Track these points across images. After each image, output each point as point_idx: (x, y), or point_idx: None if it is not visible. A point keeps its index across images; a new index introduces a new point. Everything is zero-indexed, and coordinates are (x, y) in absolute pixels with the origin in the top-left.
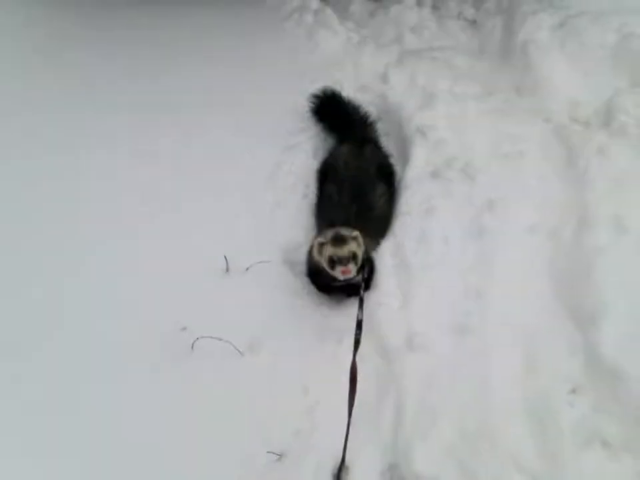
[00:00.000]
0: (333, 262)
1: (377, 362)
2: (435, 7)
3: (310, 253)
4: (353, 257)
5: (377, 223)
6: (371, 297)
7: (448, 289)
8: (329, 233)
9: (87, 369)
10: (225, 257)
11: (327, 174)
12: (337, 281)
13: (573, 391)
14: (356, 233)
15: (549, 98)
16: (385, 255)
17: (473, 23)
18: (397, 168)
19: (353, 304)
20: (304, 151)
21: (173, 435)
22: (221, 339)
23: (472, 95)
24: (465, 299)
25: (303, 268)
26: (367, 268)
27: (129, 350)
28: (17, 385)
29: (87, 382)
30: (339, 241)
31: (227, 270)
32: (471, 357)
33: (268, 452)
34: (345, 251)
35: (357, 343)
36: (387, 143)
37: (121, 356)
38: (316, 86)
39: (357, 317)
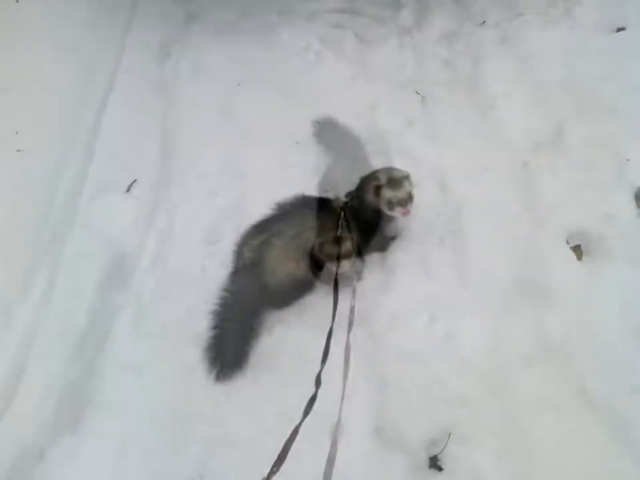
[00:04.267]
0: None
1: (366, 341)
2: (415, 48)
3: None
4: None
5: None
6: (361, 287)
7: (425, 281)
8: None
9: None
10: None
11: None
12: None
13: (527, 365)
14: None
15: (509, 123)
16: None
17: (447, 61)
18: None
19: (346, 295)
20: (304, 168)
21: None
22: None
23: (445, 121)
24: (439, 288)
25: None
26: (360, 262)
27: None
28: None
29: None
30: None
31: None
32: (444, 337)
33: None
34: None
35: (350, 325)
36: (375, 161)
37: None
38: (317, 113)
39: (350, 304)
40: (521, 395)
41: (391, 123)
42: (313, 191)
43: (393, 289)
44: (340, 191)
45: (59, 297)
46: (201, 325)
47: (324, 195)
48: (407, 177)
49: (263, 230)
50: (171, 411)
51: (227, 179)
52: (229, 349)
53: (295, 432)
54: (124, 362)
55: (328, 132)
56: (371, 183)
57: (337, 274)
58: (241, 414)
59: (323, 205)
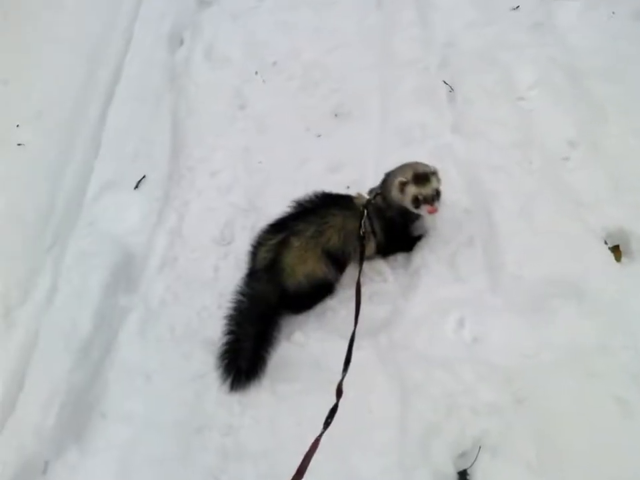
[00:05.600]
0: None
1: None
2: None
3: None
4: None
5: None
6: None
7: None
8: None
9: None
10: None
11: None
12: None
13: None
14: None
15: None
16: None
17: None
18: None
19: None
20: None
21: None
22: None
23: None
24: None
25: None
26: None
27: None
28: None
29: None
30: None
31: None
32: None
33: None
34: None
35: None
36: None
37: None
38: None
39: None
40: (553, 404)
41: (417, 115)
42: (333, 187)
43: (418, 292)
44: (362, 187)
45: (62, 299)
46: (213, 330)
47: (345, 191)
48: (433, 173)
49: (280, 229)
50: (181, 420)
51: (241, 174)
52: (244, 355)
53: (315, 444)
54: (131, 368)
55: None
56: (395, 179)
57: (359, 275)
58: (257, 424)
59: (344, 202)
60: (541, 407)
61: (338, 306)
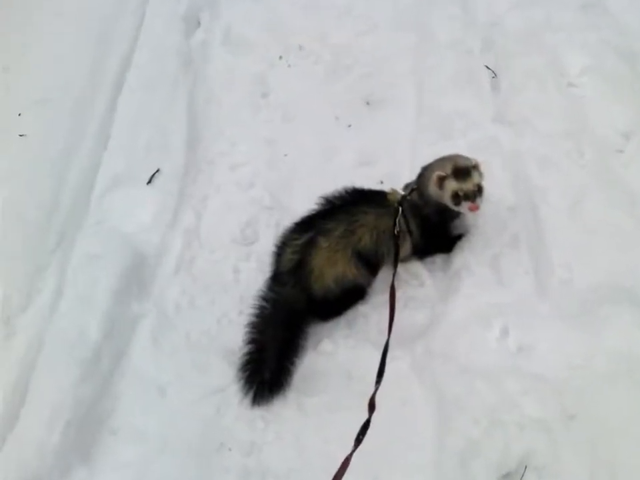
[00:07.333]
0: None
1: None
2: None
3: None
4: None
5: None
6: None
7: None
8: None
9: None
10: None
11: None
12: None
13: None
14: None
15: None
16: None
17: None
18: None
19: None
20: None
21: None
22: None
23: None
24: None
25: None
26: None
27: None
28: None
29: None
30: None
31: None
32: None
33: None
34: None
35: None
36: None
37: None
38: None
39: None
40: (606, 419)
41: (457, 103)
42: (364, 182)
43: (458, 296)
44: (397, 182)
45: (68, 305)
46: (233, 338)
47: (378, 187)
48: (475, 166)
49: (306, 228)
50: (199, 438)
51: (264, 168)
52: (267, 366)
53: (345, 463)
54: (143, 380)
55: None
56: (433, 173)
57: (393, 278)
58: (281, 442)
59: (376, 198)
60: (593, 422)
61: (370, 312)
